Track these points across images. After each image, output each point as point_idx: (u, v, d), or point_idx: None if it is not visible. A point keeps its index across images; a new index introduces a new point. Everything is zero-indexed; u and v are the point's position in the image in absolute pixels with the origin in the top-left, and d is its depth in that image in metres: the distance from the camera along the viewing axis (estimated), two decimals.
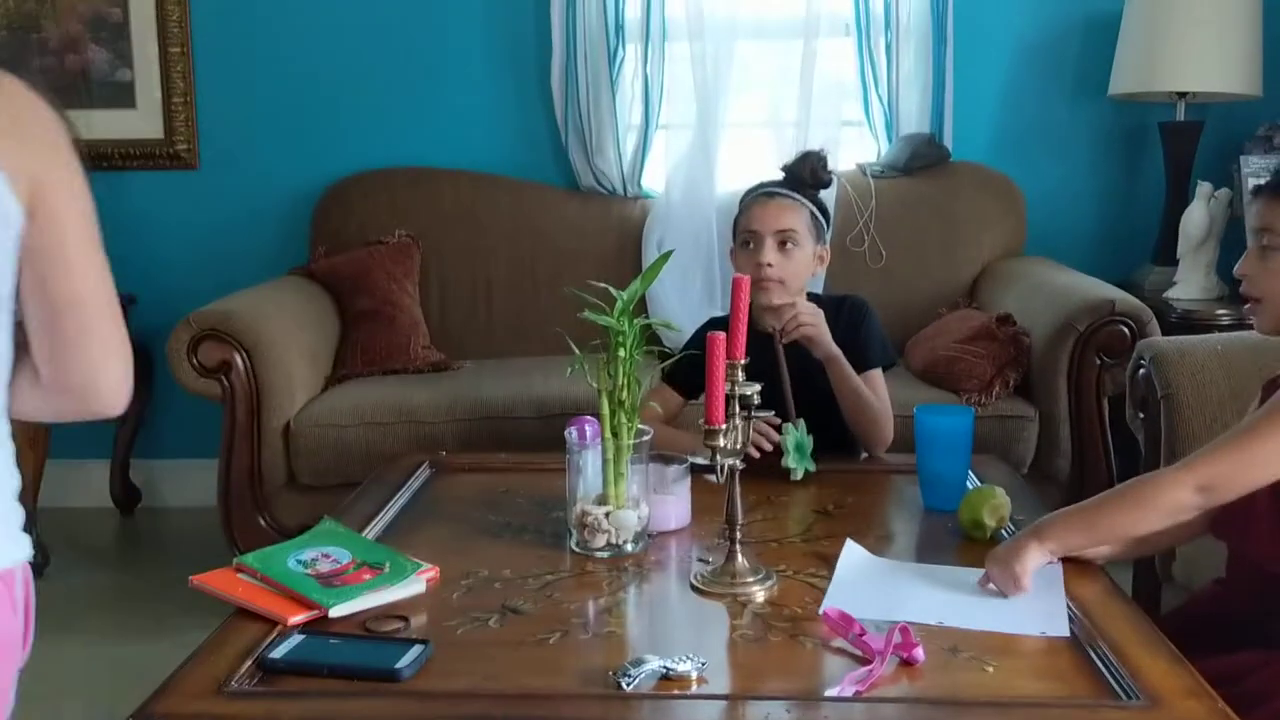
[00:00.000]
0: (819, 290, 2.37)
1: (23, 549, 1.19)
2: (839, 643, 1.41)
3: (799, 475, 2.03)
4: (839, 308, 2.27)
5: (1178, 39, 3.19)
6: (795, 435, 2.04)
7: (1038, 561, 1.53)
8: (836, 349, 2.15)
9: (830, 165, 2.26)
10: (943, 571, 1.65)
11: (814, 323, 2.13)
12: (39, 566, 3.25)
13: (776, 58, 3.53)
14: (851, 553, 1.69)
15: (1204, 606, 1.73)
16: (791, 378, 2.14)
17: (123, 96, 3.67)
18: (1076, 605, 1.49)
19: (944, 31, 3.43)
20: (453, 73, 3.62)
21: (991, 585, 1.55)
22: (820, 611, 1.48)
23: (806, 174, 2.23)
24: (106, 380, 1.15)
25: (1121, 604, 1.52)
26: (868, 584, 1.59)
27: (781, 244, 2.17)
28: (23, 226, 1.09)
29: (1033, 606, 1.50)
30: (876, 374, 2.23)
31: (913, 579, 1.63)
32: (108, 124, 3.66)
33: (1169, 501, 1.51)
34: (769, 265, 2.15)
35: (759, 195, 2.23)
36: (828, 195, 2.38)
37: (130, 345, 1.18)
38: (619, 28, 3.48)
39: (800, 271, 2.20)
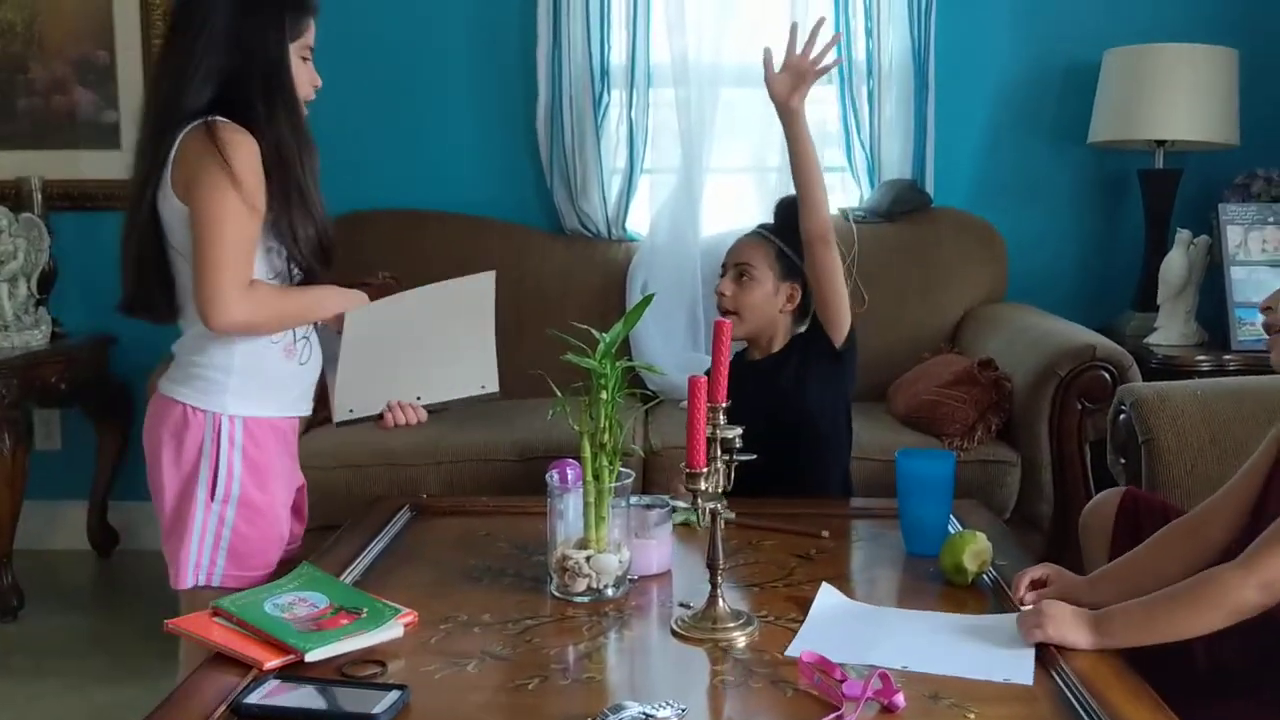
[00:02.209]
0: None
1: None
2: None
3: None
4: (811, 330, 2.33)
5: (1156, 88, 3.23)
6: None
7: (1078, 642, 1.49)
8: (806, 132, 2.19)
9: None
10: (917, 616, 1.65)
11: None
12: (14, 609, 3.21)
13: (760, 104, 3.50)
14: (827, 596, 1.69)
15: (1192, 653, 1.72)
16: (759, 409, 2.17)
17: (108, 137, 3.68)
18: (1059, 651, 1.49)
19: (925, 79, 3.47)
20: (438, 116, 3.65)
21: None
22: (786, 653, 1.48)
23: (781, 216, 2.34)
24: (206, 307, 1.76)
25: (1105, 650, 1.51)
26: (839, 627, 1.58)
27: (739, 276, 2.30)
28: (186, 211, 1.78)
29: (1000, 653, 1.50)
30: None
31: (884, 623, 1.62)
32: (93, 165, 3.67)
33: (1233, 604, 1.47)
34: (722, 295, 2.30)
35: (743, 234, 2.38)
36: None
37: (234, 294, 1.76)
38: (604, 73, 3.51)
39: (755, 304, 2.29)
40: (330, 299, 1.95)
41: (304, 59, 1.88)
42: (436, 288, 2.03)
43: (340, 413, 1.99)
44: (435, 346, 2.00)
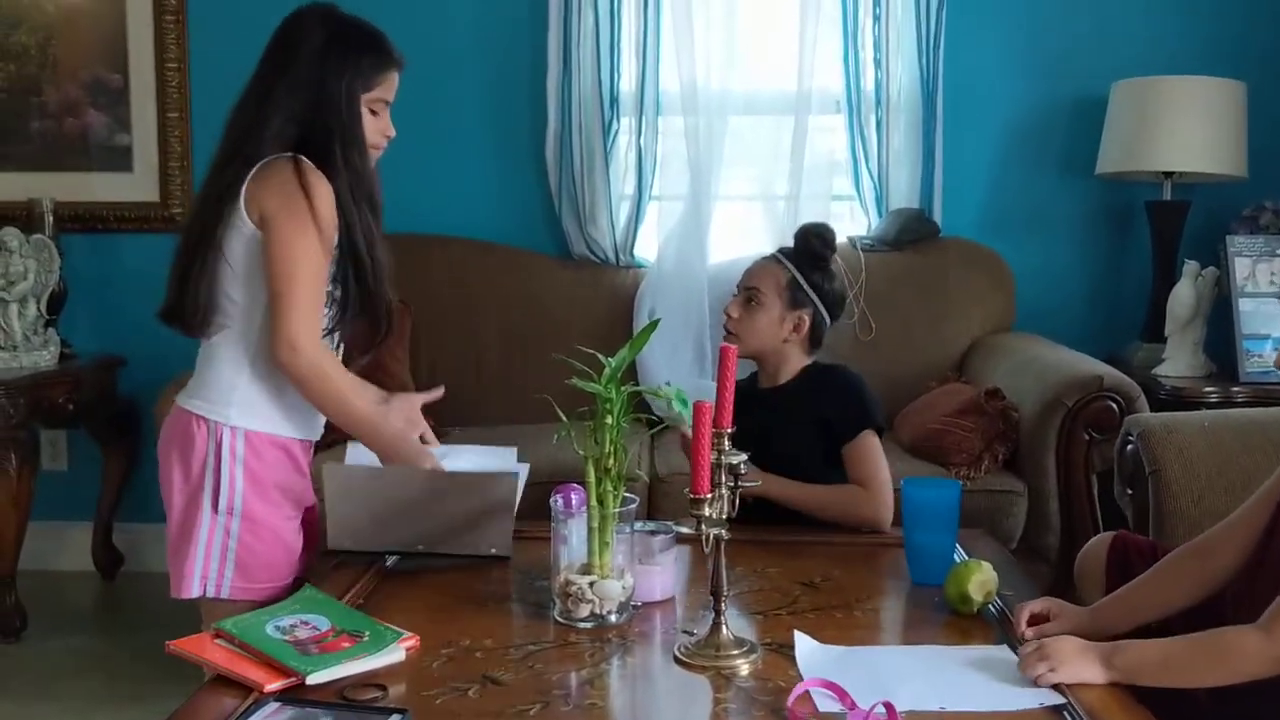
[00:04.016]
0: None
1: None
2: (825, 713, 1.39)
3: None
4: (828, 372, 2.33)
5: (1164, 120, 3.24)
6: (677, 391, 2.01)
7: (1090, 678, 1.48)
8: (775, 488, 2.16)
9: (828, 240, 2.33)
10: (910, 652, 1.63)
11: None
12: (16, 629, 3.21)
13: (769, 132, 3.57)
14: (804, 643, 1.61)
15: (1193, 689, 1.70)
16: (765, 437, 2.17)
17: (120, 160, 3.71)
18: (1070, 685, 1.47)
19: (934, 109, 3.48)
20: (448, 141, 3.66)
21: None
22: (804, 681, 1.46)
23: (800, 243, 2.33)
24: (281, 341, 1.81)
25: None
26: (842, 676, 1.48)
27: (747, 300, 2.30)
28: (259, 236, 1.83)
29: (1019, 681, 1.49)
30: (867, 439, 2.23)
31: (885, 664, 1.57)
32: (105, 187, 3.70)
33: (1248, 671, 1.47)
34: (729, 315, 2.31)
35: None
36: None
37: (311, 334, 1.82)
38: (614, 100, 3.53)
39: (758, 329, 2.29)
40: (380, 436, 1.94)
41: (374, 112, 1.92)
42: (457, 476, 1.98)
43: (336, 542, 1.96)
44: (446, 515, 1.95)
